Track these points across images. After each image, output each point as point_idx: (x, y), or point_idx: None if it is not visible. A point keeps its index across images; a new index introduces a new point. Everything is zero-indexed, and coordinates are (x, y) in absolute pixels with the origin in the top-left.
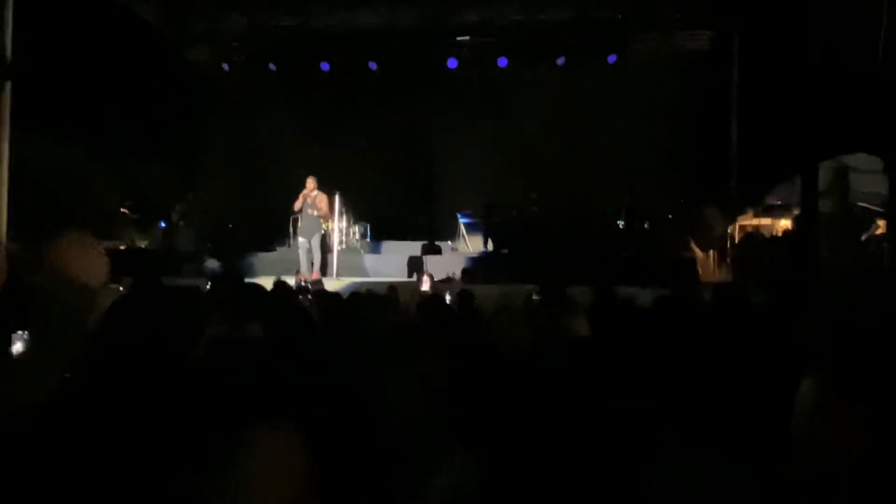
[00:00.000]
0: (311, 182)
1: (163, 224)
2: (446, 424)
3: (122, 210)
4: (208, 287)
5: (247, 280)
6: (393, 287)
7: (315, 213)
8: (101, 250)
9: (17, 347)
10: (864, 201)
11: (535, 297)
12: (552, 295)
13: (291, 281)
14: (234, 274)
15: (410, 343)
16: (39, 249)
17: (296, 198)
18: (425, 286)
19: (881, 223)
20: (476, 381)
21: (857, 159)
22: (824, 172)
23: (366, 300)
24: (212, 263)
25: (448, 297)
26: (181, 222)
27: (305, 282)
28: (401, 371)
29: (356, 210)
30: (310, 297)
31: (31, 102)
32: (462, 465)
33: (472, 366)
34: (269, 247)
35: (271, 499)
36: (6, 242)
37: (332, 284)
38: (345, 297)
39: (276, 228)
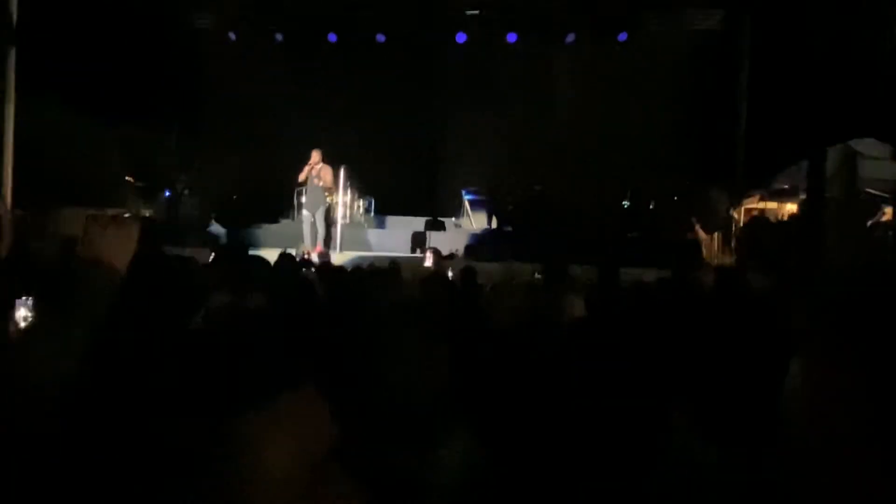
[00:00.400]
0: (316, 155)
1: (167, 193)
2: (447, 403)
3: (126, 178)
4: (211, 258)
5: (250, 252)
6: (395, 262)
7: (320, 183)
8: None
9: (21, 313)
10: (871, 187)
11: (537, 275)
12: (555, 274)
13: (295, 254)
14: (237, 245)
15: (412, 319)
16: (44, 216)
17: (300, 170)
18: (428, 262)
19: (888, 210)
20: (477, 359)
21: (866, 145)
22: (832, 157)
23: (368, 275)
24: (214, 231)
25: (451, 274)
26: (186, 192)
27: (308, 255)
28: (401, 348)
29: (361, 184)
30: (313, 269)
31: (36, 70)
32: (463, 445)
33: (474, 343)
34: (273, 219)
35: (274, 475)
36: (11, 209)
37: (335, 258)
38: (348, 271)
39: (280, 200)
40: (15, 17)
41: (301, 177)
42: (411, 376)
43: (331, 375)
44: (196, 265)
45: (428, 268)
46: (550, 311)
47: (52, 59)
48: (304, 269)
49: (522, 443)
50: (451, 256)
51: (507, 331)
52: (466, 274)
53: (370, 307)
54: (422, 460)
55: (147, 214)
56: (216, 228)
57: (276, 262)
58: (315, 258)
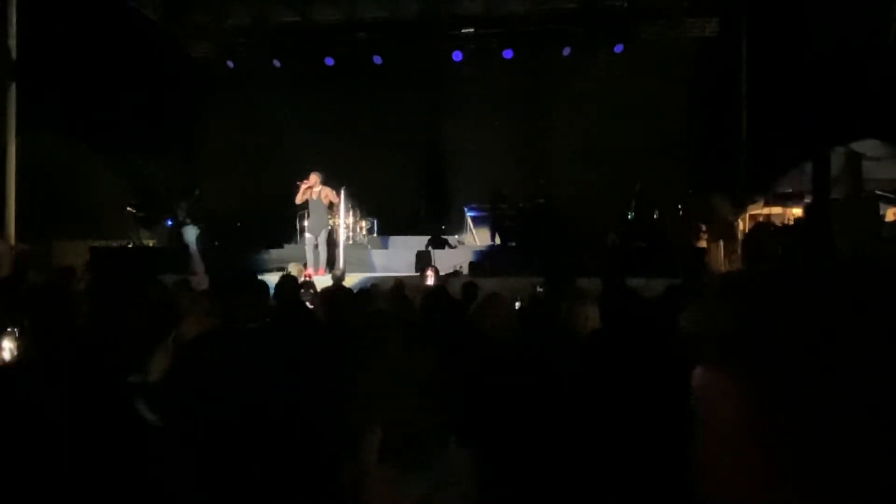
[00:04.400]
0: (314, 177)
1: (169, 222)
2: (440, 417)
3: (128, 208)
4: (210, 283)
5: (254, 276)
6: (399, 281)
7: (326, 200)
8: None
9: (6, 344)
10: (875, 188)
11: (539, 289)
12: (556, 287)
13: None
14: (237, 269)
15: (406, 337)
16: (46, 248)
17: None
18: (430, 280)
19: (892, 210)
20: (473, 373)
21: (868, 146)
22: (836, 159)
23: (371, 294)
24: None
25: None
26: (187, 220)
27: (310, 276)
28: (398, 363)
29: (363, 205)
30: (312, 291)
31: (37, 102)
32: (454, 459)
33: (470, 358)
34: (276, 243)
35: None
36: (14, 242)
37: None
38: (352, 291)
39: (283, 224)
40: (14, 51)
41: (298, 199)
42: (404, 392)
43: (323, 392)
44: (166, 289)
45: (429, 286)
46: (548, 323)
47: (52, 92)
48: (303, 290)
49: (516, 457)
50: (456, 274)
51: (504, 342)
52: (468, 290)
53: (368, 324)
54: (412, 475)
55: (150, 244)
56: (218, 253)
57: (278, 284)
58: (316, 279)
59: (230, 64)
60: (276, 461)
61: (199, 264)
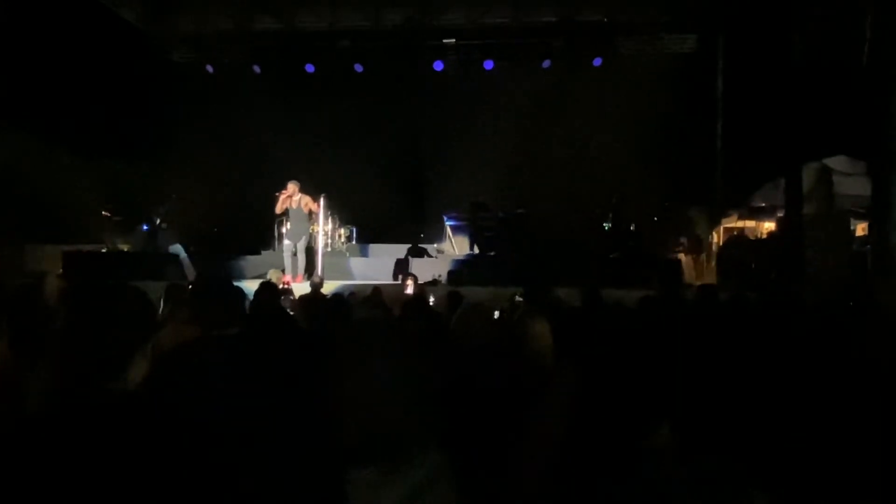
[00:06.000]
0: (292, 186)
1: (145, 227)
2: (421, 424)
3: (103, 213)
4: (190, 290)
5: (230, 283)
6: (377, 289)
7: (306, 210)
8: None
9: None
10: (844, 203)
11: (518, 298)
12: (535, 296)
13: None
14: (215, 276)
15: (389, 343)
16: (19, 253)
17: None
18: (409, 289)
19: (863, 225)
20: (454, 380)
21: (838, 162)
22: (808, 175)
23: (348, 301)
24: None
25: (431, 299)
26: (163, 225)
27: (288, 283)
28: (378, 370)
29: (342, 213)
30: (291, 297)
31: (12, 105)
32: (435, 465)
33: (450, 365)
34: (254, 250)
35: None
36: None
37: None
38: (329, 297)
39: (260, 231)
40: None
41: (278, 208)
42: (385, 399)
43: (304, 398)
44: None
45: (408, 294)
46: (525, 333)
47: (29, 94)
48: (283, 297)
49: (498, 463)
50: (434, 282)
51: (482, 349)
52: (452, 298)
53: (346, 331)
54: (392, 482)
55: (125, 248)
56: (195, 260)
57: (257, 290)
58: (294, 286)
59: (210, 69)
60: (257, 470)
61: (191, 272)
